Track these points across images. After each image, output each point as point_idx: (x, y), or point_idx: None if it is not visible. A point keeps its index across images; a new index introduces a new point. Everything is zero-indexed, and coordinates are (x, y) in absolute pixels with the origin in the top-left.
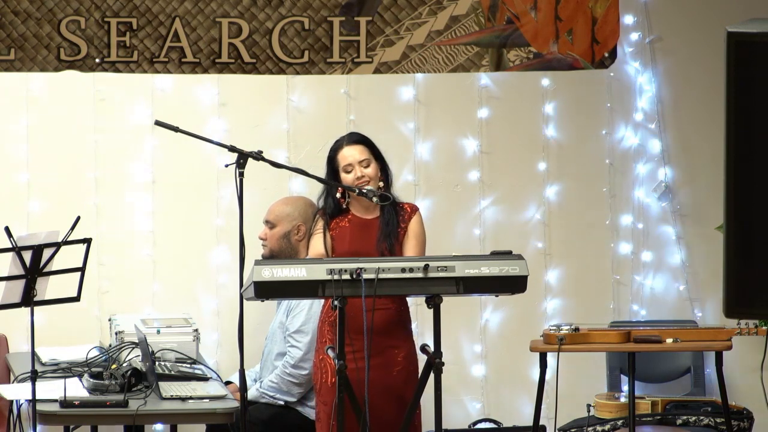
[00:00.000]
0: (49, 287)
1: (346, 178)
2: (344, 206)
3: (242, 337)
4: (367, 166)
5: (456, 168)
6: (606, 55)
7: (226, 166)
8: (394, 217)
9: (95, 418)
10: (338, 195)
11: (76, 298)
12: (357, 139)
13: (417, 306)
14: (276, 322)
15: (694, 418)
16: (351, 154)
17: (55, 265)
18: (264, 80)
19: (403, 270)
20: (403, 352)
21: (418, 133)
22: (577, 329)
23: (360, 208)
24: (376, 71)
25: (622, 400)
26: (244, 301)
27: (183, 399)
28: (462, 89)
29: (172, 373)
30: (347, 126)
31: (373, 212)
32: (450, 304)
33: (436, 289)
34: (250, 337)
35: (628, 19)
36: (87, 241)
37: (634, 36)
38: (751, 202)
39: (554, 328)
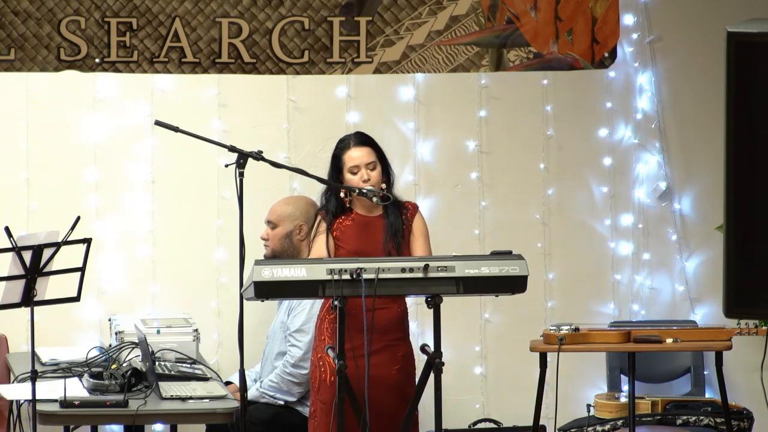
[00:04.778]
0: (49, 287)
1: (352, 179)
2: (347, 205)
3: (242, 337)
4: (373, 169)
5: (456, 168)
6: (606, 55)
7: (226, 166)
8: (398, 216)
9: (95, 418)
10: (342, 194)
11: (76, 298)
12: (364, 140)
13: (417, 306)
14: (277, 321)
15: (694, 418)
16: (358, 156)
17: (55, 265)
18: (264, 80)
19: (403, 270)
20: (402, 351)
21: (418, 133)
22: (577, 329)
23: (363, 207)
24: (376, 71)
25: (622, 400)
26: (244, 301)
27: (183, 399)
28: (462, 89)
29: (172, 373)
30: (347, 126)
31: (376, 211)
32: (450, 304)
33: (436, 289)
34: (251, 337)
35: (628, 19)
36: (87, 241)
37: (634, 36)
38: (751, 202)
39: (554, 328)
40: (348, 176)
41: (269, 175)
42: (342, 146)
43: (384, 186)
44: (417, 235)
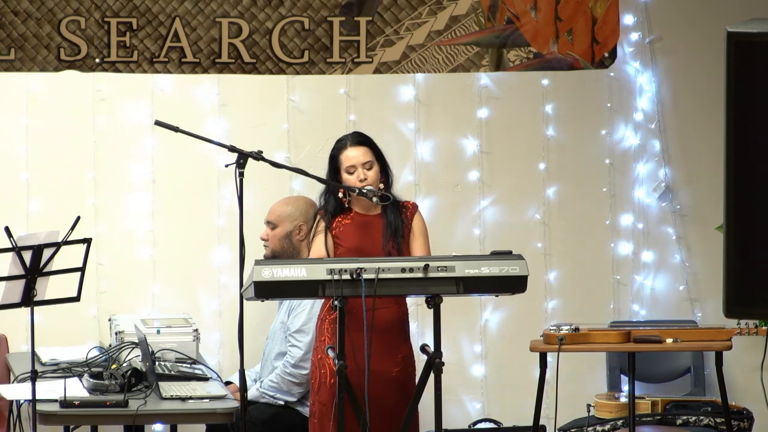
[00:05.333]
0: (49, 287)
1: (349, 179)
2: (346, 205)
3: (242, 337)
4: (370, 168)
5: (456, 168)
6: (606, 55)
7: (226, 166)
8: (398, 215)
9: (95, 418)
10: (340, 194)
11: (76, 298)
12: (360, 140)
13: (417, 306)
14: (277, 321)
15: (694, 418)
16: (355, 155)
17: (55, 265)
18: (264, 80)
19: (403, 270)
20: (402, 352)
21: (418, 133)
22: (577, 329)
23: (361, 206)
24: (376, 71)
25: (622, 400)
26: (245, 301)
27: (183, 399)
28: (462, 89)
29: (172, 373)
30: (347, 126)
31: (375, 210)
32: (450, 304)
33: (436, 289)
34: (251, 337)
35: (628, 19)
36: (87, 241)
37: (634, 36)
38: (751, 202)
39: (554, 328)
40: (345, 176)
41: (269, 175)
42: (339, 146)
43: (382, 185)
44: (417, 235)
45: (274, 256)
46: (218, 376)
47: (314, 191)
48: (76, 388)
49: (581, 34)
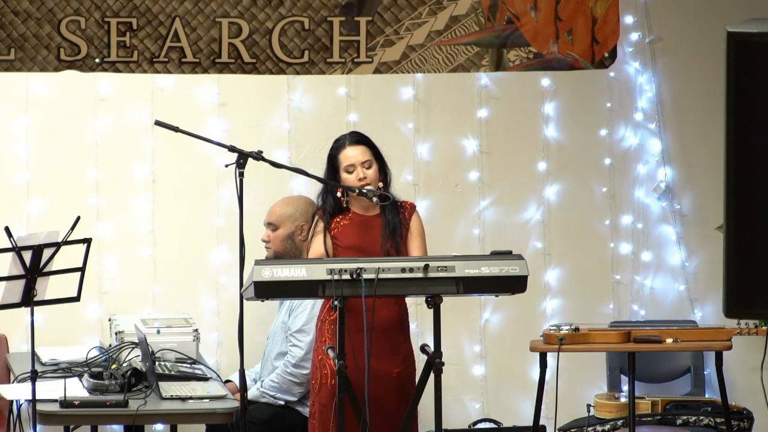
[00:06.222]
0: (49, 287)
1: (348, 179)
2: (344, 205)
3: (242, 337)
4: (369, 167)
5: (456, 168)
6: (606, 55)
7: (226, 166)
8: (396, 215)
9: (95, 418)
10: (338, 194)
11: (76, 298)
12: (359, 139)
13: (417, 306)
14: (278, 321)
15: (694, 418)
16: (353, 155)
17: (55, 265)
18: (264, 80)
19: (403, 270)
20: (402, 353)
21: (418, 133)
22: (577, 329)
23: (360, 206)
24: (376, 71)
25: (622, 400)
26: (244, 301)
27: (183, 399)
28: (462, 89)
29: (172, 373)
30: (347, 126)
31: (373, 210)
32: (450, 304)
33: (436, 289)
34: (251, 337)
35: (628, 19)
36: (87, 241)
37: (634, 36)
38: (751, 202)
39: (554, 328)
40: (344, 176)
41: (269, 175)
42: (337, 146)
43: (381, 185)
44: (414, 235)
45: (276, 258)
46: (218, 375)
47: (314, 191)
48: (76, 388)
49: (581, 34)
